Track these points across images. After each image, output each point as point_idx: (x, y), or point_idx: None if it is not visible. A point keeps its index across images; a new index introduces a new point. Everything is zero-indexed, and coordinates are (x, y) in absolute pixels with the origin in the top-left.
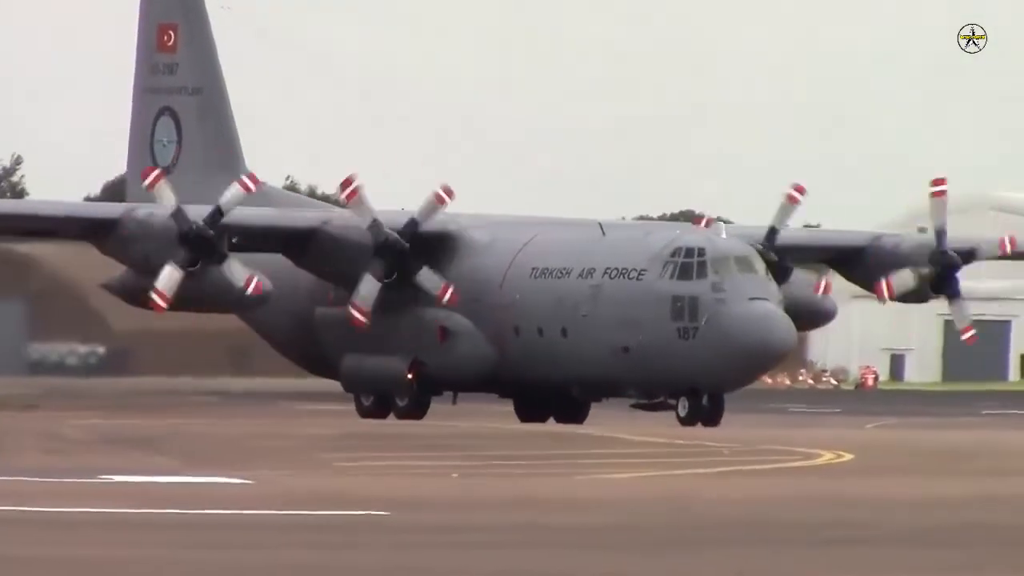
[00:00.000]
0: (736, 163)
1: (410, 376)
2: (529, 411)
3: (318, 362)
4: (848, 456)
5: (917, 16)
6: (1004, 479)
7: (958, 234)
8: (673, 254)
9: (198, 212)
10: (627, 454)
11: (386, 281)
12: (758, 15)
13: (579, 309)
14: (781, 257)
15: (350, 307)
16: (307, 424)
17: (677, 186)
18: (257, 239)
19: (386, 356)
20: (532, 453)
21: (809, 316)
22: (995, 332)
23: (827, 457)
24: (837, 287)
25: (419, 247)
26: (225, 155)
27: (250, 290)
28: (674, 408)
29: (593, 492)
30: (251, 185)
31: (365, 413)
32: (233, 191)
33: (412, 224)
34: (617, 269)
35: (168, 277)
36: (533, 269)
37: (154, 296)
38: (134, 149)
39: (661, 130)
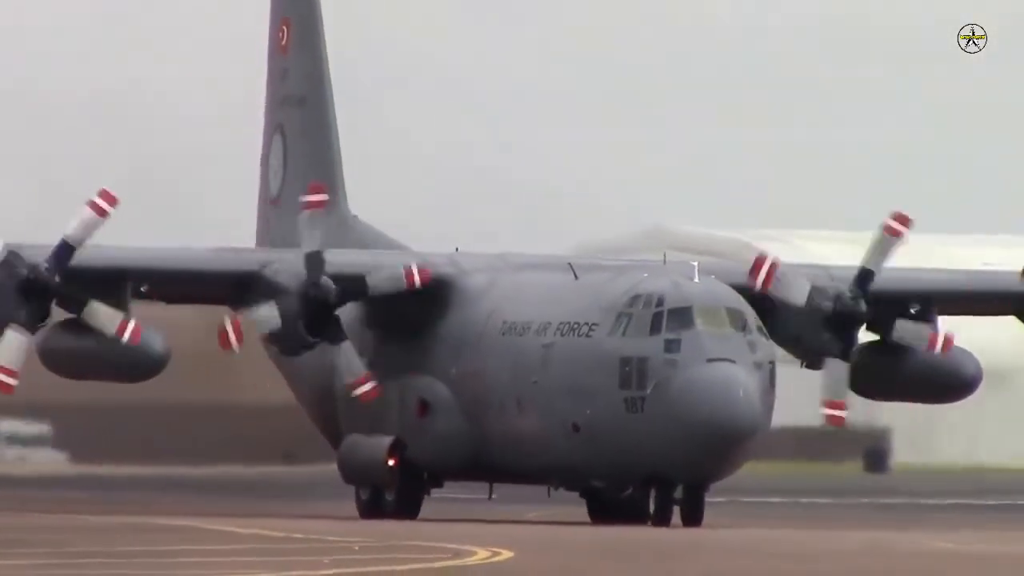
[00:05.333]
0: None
1: (391, 462)
2: (601, 511)
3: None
4: (506, 554)
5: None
6: None
7: None
8: (630, 303)
9: None
10: (233, 551)
11: (312, 339)
12: None
13: (531, 375)
14: (885, 309)
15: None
16: None
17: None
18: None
19: (373, 437)
20: (119, 550)
21: (941, 385)
22: None
23: (480, 556)
24: None
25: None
26: (324, 185)
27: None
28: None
29: None
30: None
31: (364, 511)
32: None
33: (359, 281)
34: (569, 323)
35: None
36: (504, 323)
37: None
38: (263, 177)
39: None
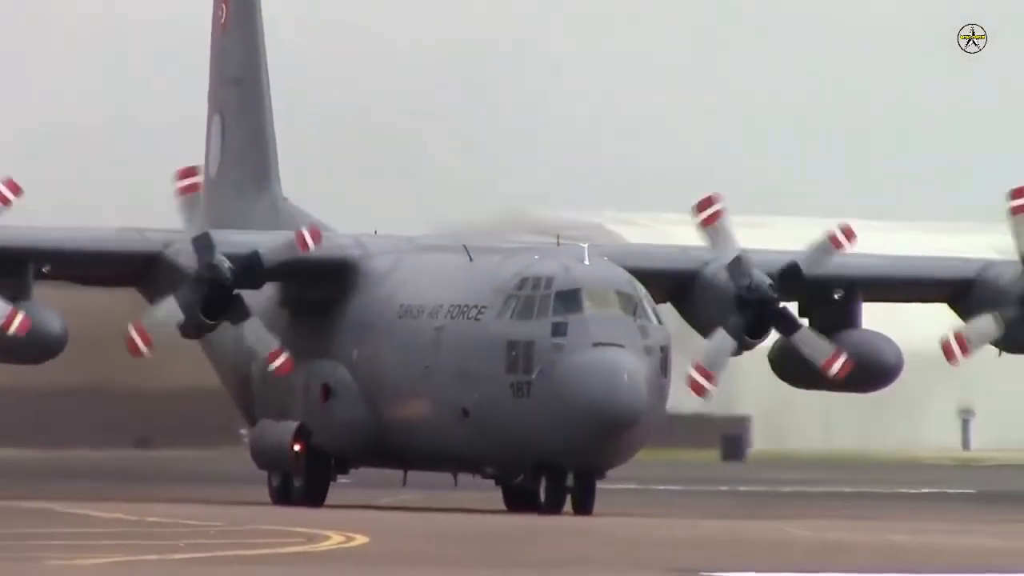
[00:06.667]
0: None
1: (297, 448)
2: (515, 499)
3: None
4: (361, 539)
5: None
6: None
7: None
8: (519, 286)
9: None
10: (89, 534)
11: (209, 322)
12: None
13: (423, 360)
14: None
15: (131, 327)
16: None
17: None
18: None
19: (281, 422)
20: None
21: (863, 373)
22: None
23: (334, 540)
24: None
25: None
26: (257, 168)
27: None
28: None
29: None
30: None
31: (275, 497)
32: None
33: (254, 257)
34: (460, 306)
35: None
36: (400, 307)
37: None
38: (207, 160)
39: None
